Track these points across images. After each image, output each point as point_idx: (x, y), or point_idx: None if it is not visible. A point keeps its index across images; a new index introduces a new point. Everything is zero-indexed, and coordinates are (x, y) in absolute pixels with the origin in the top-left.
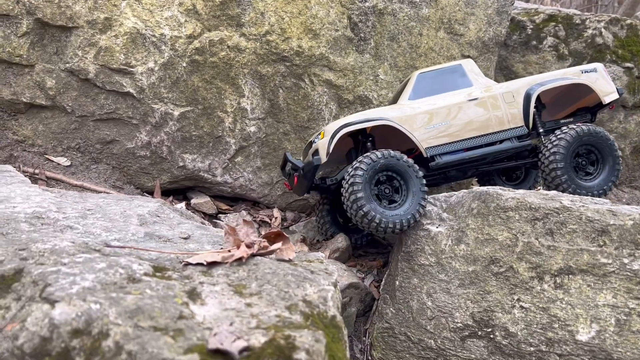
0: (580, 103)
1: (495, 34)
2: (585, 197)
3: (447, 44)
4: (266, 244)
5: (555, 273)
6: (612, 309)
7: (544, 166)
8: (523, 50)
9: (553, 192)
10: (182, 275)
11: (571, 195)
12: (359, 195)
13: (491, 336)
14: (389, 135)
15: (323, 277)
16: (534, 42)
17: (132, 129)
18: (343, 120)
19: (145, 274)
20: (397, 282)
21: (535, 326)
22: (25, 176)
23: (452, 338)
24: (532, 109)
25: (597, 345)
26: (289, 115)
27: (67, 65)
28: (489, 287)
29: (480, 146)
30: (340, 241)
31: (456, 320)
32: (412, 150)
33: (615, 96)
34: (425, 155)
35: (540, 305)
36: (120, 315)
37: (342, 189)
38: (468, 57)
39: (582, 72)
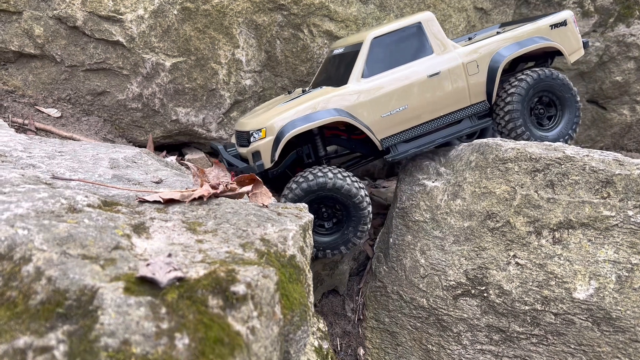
0: (538, 51)
1: None
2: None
3: None
4: (234, 185)
5: (554, 227)
6: (613, 264)
7: (499, 109)
8: (545, 7)
9: (557, 143)
10: (134, 211)
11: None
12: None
13: (485, 295)
14: (338, 123)
15: (290, 219)
16: None
17: (122, 80)
18: (286, 116)
19: (89, 205)
20: (391, 240)
21: (530, 284)
22: (14, 127)
23: (444, 297)
24: (497, 83)
25: (595, 304)
26: (287, 69)
27: (55, 12)
28: (484, 244)
29: (439, 128)
30: None
31: (449, 279)
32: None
33: (582, 53)
34: (380, 148)
35: (537, 262)
36: (47, 242)
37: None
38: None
39: (552, 28)
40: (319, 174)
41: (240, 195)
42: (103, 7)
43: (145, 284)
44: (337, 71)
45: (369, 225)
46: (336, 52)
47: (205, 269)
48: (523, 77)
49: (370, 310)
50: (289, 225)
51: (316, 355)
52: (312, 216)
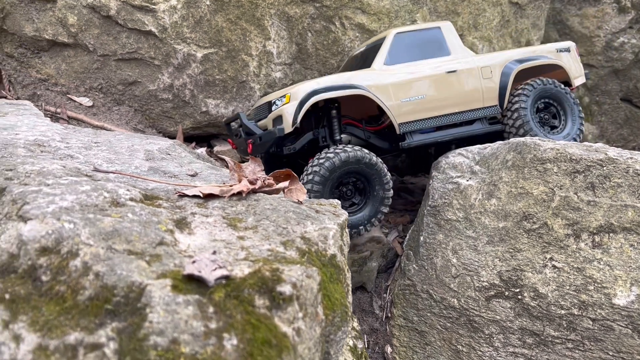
0: (543, 75)
1: None
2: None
3: None
4: (271, 181)
5: (594, 231)
6: None
7: (511, 124)
8: (580, 3)
9: (598, 144)
10: (175, 205)
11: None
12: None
13: (519, 297)
14: (356, 102)
15: (329, 217)
16: None
17: (154, 70)
18: (310, 85)
19: (132, 199)
20: (422, 238)
21: (567, 288)
22: (47, 115)
23: (476, 297)
24: (509, 88)
25: (636, 310)
26: (317, 62)
27: (89, 1)
28: (520, 245)
29: (453, 125)
30: None
31: (482, 279)
32: (377, 120)
33: (583, 80)
34: (398, 132)
35: (575, 266)
36: (93, 236)
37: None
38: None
39: (558, 51)
40: (338, 150)
41: (277, 191)
42: None
43: (192, 282)
44: (359, 64)
45: (391, 192)
46: (357, 52)
47: (250, 267)
48: (529, 83)
49: (398, 308)
50: (328, 223)
51: (352, 355)
52: (347, 214)
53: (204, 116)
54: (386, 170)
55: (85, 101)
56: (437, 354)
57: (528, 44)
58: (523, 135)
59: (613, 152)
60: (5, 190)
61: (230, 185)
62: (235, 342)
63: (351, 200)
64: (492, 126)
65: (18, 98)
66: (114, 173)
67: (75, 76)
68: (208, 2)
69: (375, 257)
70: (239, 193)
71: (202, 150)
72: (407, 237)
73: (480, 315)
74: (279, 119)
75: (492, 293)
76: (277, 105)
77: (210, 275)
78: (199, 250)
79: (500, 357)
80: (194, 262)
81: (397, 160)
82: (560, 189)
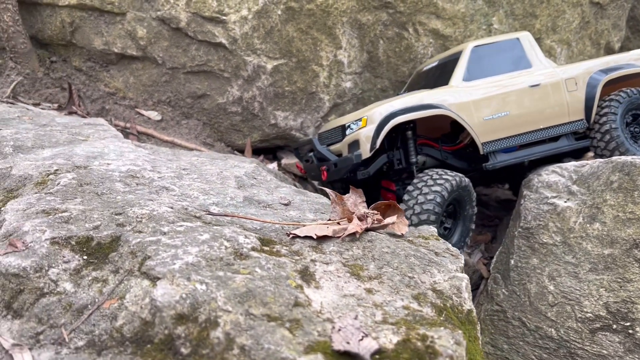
0: (628, 84)
1: None
2: None
3: None
4: (379, 216)
5: None
6: None
7: (599, 136)
8: None
9: None
10: (291, 251)
11: None
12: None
13: (630, 331)
14: (429, 120)
15: (450, 260)
16: None
17: (223, 82)
18: (388, 107)
19: (253, 249)
20: (512, 262)
21: None
22: (117, 130)
23: (578, 329)
24: (596, 100)
25: None
26: (388, 70)
27: (159, 13)
28: (630, 275)
29: (538, 142)
30: None
31: (585, 310)
32: (452, 138)
33: None
34: (481, 152)
35: None
36: (229, 300)
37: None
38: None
39: None
40: (451, 173)
41: (385, 227)
42: (207, 8)
43: (346, 358)
44: (433, 80)
45: (476, 208)
46: (427, 67)
47: (395, 333)
48: (614, 96)
49: (485, 335)
50: (452, 268)
51: None
52: (461, 254)
53: (272, 129)
54: (473, 188)
55: (154, 115)
56: None
57: (608, 45)
58: (613, 150)
59: None
60: (120, 239)
61: (338, 223)
62: None
63: (444, 226)
64: (579, 142)
65: (88, 113)
66: (223, 216)
67: (144, 89)
68: (279, 12)
69: None
70: (353, 234)
71: (274, 166)
72: (494, 259)
73: (583, 349)
74: (355, 144)
75: (598, 325)
76: (352, 129)
77: (361, 347)
78: (333, 310)
79: None
80: (339, 330)
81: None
82: None
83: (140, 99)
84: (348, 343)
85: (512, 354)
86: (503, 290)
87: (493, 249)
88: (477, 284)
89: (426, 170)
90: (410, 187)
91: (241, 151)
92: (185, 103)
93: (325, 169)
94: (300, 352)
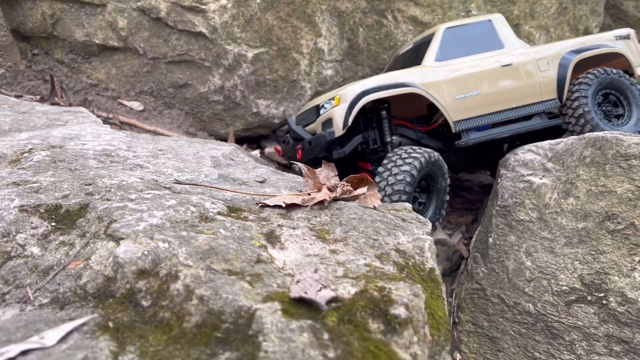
0: (606, 65)
1: None
2: None
3: None
4: (350, 187)
5: None
6: None
7: (570, 114)
8: None
9: None
10: (259, 217)
11: None
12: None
13: (604, 302)
14: (404, 102)
15: (416, 225)
16: None
17: (204, 72)
18: (360, 86)
19: (219, 213)
20: (491, 240)
21: None
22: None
23: (555, 302)
24: (568, 80)
25: None
26: (368, 57)
27: (139, 3)
28: (603, 247)
29: (510, 121)
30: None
31: (561, 283)
32: (427, 120)
33: None
34: (454, 130)
35: None
36: (190, 256)
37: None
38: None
39: (616, 39)
40: (419, 150)
41: (355, 198)
42: None
43: (302, 305)
44: (409, 62)
45: (449, 180)
46: (403, 50)
47: (354, 286)
48: (582, 79)
49: (466, 314)
50: (418, 232)
51: None
52: (429, 221)
53: (255, 117)
54: (443, 161)
55: (136, 105)
56: None
57: (586, 31)
58: (584, 126)
59: None
60: (88, 207)
61: (309, 193)
62: None
63: (418, 201)
64: (552, 120)
65: (70, 104)
66: (193, 185)
67: (126, 80)
68: (258, 0)
69: (440, 260)
70: (321, 202)
71: (256, 153)
72: (474, 238)
73: (559, 321)
74: (328, 122)
75: (573, 298)
76: (325, 108)
77: (318, 296)
78: (296, 267)
79: None
80: (297, 282)
81: (451, 157)
82: None
83: (123, 89)
84: (306, 293)
85: (492, 331)
86: (482, 269)
87: (474, 230)
88: (458, 264)
89: (395, 150)
90: (380, 168)
91: (224, 140)
92: (167, 93)
93: (300, 148)
94: (258, 301)
